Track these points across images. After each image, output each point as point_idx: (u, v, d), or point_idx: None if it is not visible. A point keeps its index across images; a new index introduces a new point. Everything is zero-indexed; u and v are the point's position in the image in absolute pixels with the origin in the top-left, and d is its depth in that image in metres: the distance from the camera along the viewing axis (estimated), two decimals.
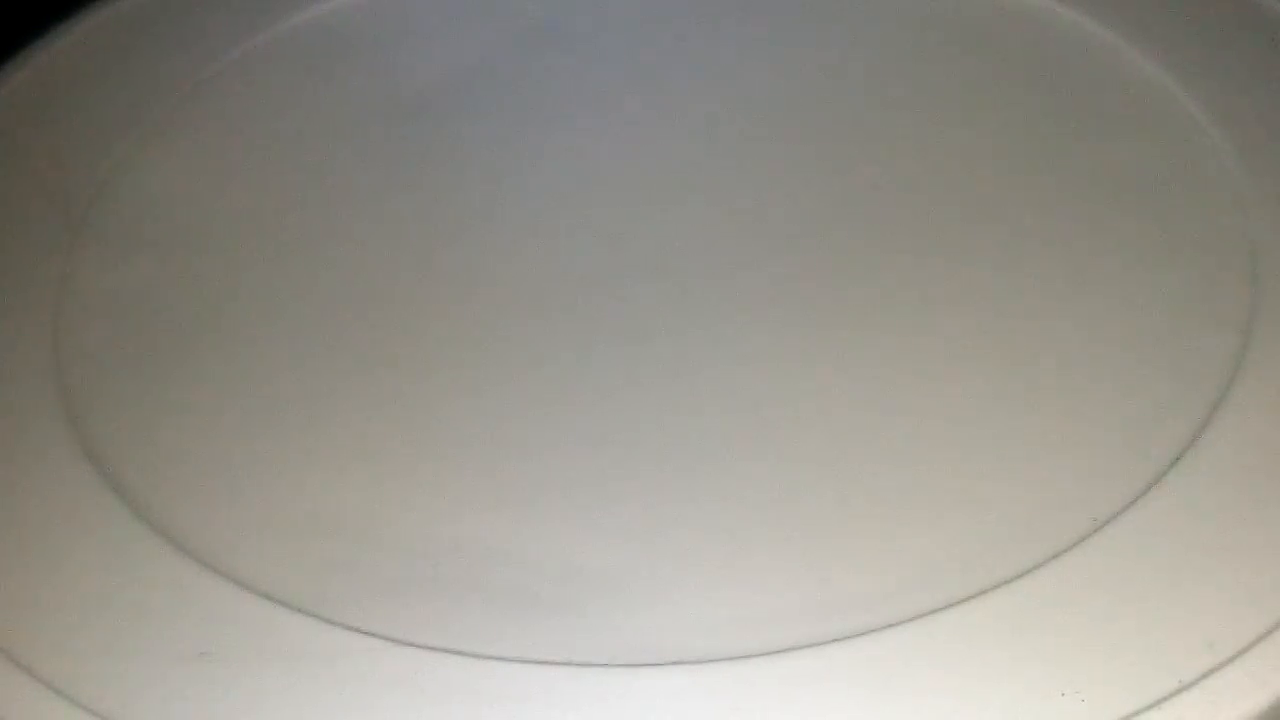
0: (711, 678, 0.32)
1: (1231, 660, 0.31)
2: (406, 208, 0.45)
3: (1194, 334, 0.39)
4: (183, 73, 0.49)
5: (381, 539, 0.36)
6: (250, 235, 0.44)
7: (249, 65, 0.50)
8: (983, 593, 0.33)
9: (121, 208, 0.45)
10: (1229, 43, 0.47)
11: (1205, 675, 0.31)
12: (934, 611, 0.33)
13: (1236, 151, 0.43)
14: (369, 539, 0.36)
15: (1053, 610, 0.33)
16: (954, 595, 0.33)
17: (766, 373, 0.39)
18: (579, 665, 0.32)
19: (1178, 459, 0.35)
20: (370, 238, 0.44)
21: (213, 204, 0.45)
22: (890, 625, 0.32)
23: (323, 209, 0.45)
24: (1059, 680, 0.31)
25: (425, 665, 0.33)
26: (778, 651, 0.32)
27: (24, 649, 0.33)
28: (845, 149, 0.46)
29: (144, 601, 0.34)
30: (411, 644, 0.33)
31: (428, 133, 0.47)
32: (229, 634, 0.33)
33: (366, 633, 0.33)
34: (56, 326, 0.41)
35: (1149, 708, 0.30)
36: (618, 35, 0.51)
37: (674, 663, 0.32)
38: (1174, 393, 0.37)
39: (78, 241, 0.43)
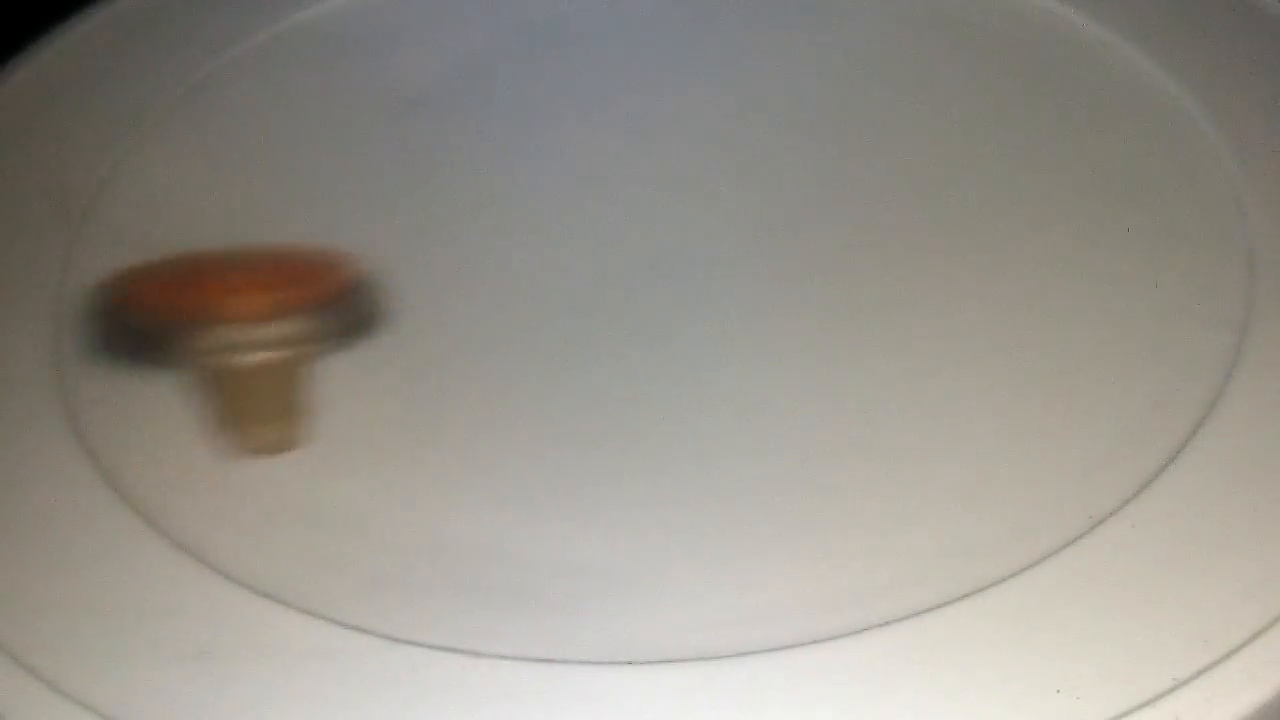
0: (711, 675, 0.32)
1: (1227, 657, 0.31)
2: (405, 206, 0.45)
3: (1191, 332, 0.39)
4: (183, 73, 0.49)
5: (381, 537, 0.36)
6: (250, 235, 0.44)
7: (249, 65, 0.50)
8: (980, 589, 0.33)
9: (121, 207, 0.45)
10: (1229, 43, 0.47)
11: (1201, 672, 0.31)
12: (931, 608, 0.33)
13: (1235, 151, 0.43)
14: (369, 537, 0.36)
15: (1049, 607, 0.33)
16: (951, 592, 0.33)
17: (765, 371, 0.39)
18: (579, 664, 0.33)
19: (1174, 457, 0.36)
20: (369, 236, 0.44)
21: (212, 204, 0.45)
22: (888, 622, 0.33)
23: (322, 208, 0.45)
24: (1055, 677, 0.31)
25: (425, 664, 0.33)
26: (775, 649, 0.32)
27: (25, 648, 0.33)
28: (845, 149, 0.46)
29: (144, 600, 0.34)
30: (411, 643, 0.33)
31: (427, 132, 0.47)
32: (229, 632, 0.33)
33: (366, 631, 0.33)
34: (57, 326, 0.41)
35: (1145, 704, 0.30)
36: (618, 34, 0.51)
37: (674, 661, 0.32)
38: (1170, 390, 0.37)
39: (78, 241, 0.44)
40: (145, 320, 0.36)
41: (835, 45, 0.50)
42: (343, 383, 0.39)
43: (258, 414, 0.36)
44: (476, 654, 0.33)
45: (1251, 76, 0.46)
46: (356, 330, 0.36)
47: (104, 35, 0.51)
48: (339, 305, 0.36)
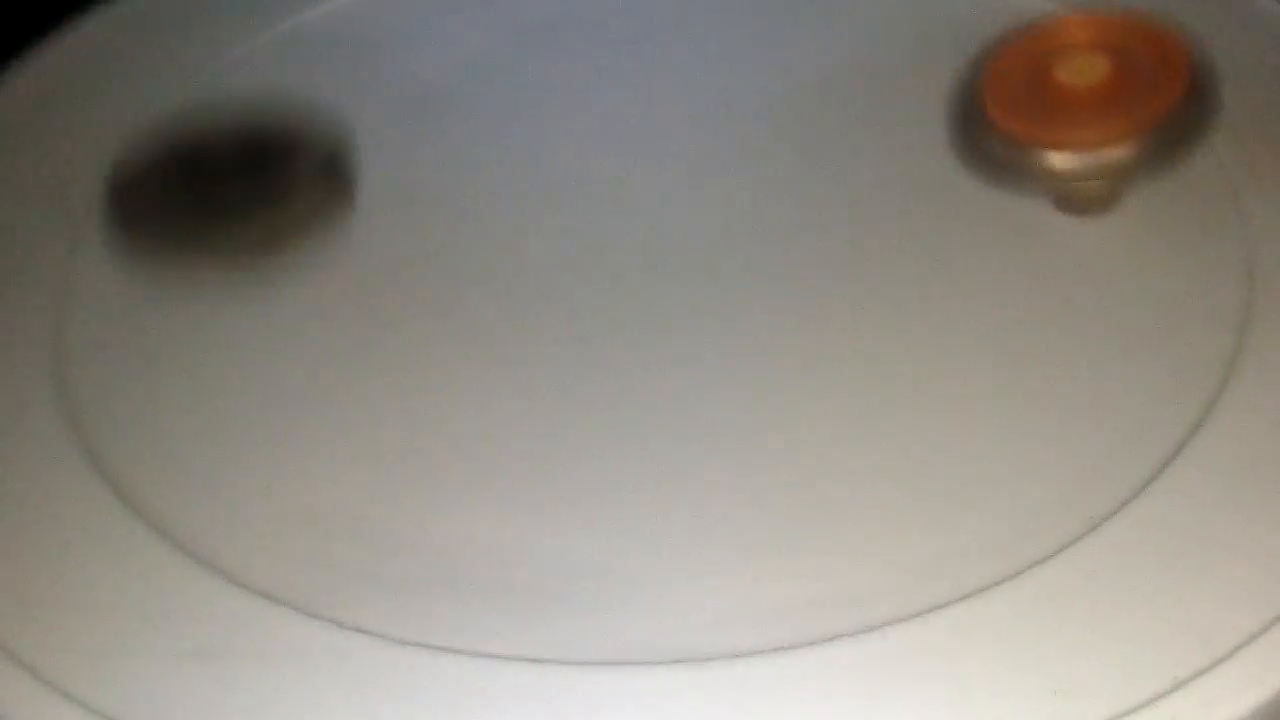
0: (711, 676, 0.32)
1: (1226, 658, 0.31)
2: (407, 206, 0.45)
3: (1189, 333, 0.39)
4: (182, 73, 0.49)
5: (382, 538, 0.36)
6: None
7: (248, 65, 0.50)
8: (979, 591, 0.33)
9: None
10: (1229, 43, 0.47)
11: (1200, 673, 0.31)
12: (930, 610, 0.33)
13: (1235, 152, 0.43)
14: (370, 538, 0.36)
15: (1048, 608, 0.33)
16: (950, 593, 0.33)
17: (766, 373, 0.39)
18: (579, 665, 0.33)
19: (1173, 458, 0.35)
20: (371, 236, 0.44)
21: None
22: (886, 624, 0.33)
23: None
24: (1053, 678, 0.31)
25: (425, 665, 0.33)
26: (775, 650, 0.32)
27: (24, 648, 0.33)
28: (845, 148, 0.46)
29: (144, 601, 0.34)
30: (412, 644, 0.33)
31: (428, 132, 0.47)
32: (229, 633, 0.33)
33: (367, 632, 0.33)
34: (57, 326, 0.41)
35: (1144, 706, 0.31)
36: (619, 35, 0.51)
37: (674, 662, 0.32)
38: (1169, 392, 0.37)
39: (78, 241, 0.44)
40: (1003, 141, 0.38)
41: (835, 45, 0.50)
42: (343, 383, 0.40)
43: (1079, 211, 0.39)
44: (477, 655, 0.33)
45: (1251, 77, 0.46)
46: (1187, 148, 0.37)
47: (106, 36, 0.51)
48: (1172, 124, 0.37)
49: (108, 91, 0.49)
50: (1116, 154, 0.36)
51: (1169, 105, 0.37)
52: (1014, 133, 0.37)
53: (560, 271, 0.42)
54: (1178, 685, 0.31)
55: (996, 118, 0.38)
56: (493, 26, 0.51)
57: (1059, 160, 0.37)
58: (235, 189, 0.42)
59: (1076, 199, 0.38)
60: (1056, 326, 0.39)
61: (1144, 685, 0.31)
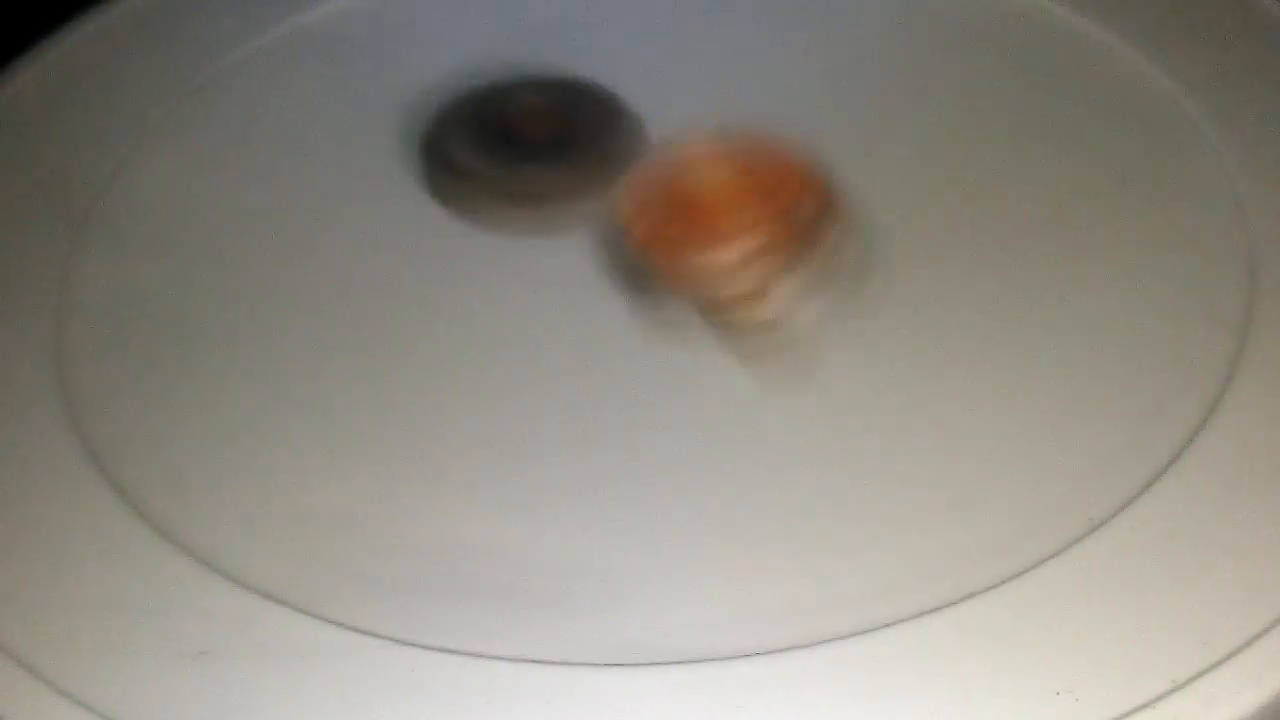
0: (710, 677, 0.32)
1: (1226, 659, 0.31)
2: (406, 206, 0.45)
3: (1191, 334, 0.39)
4: (183, 73, 0.49)
5: (382, 539, 0.36)
6: (250, 235, 0.44)
7: (250, 67, 0.50)
8: (980, 592, 0.33)
9: (122, 208, 0.45)
10: (1229, 43, 0.47)
11: (1200, 674, 0.31)
12: (931, 610, 0.33)
13: (1235, 151, 0.43)
14: (369, 539, 0.36)
15: (1049, 609, 0.33)
16: (951, 594, 0.33)
17: (765, 375, 0.39)
18: (579, 665, 0.33)
19: (1174, 459, 0.36)
20: (371, 237, 0.44)
21: (213, 204, 0.45)
22: (888, 624, 0.33)
23: (323, 209, 0.45)
24: (1054, 679, 0.31)
25: (425, 665, 0.33)
26: (774, 651, 0.32)
27: (25, 648, 0.33)
28: (845, 148, 0.46)
29: (144, 601, 0.34)
30: (411, 644, 0.33)
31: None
32: (229, 633, 0.33)
33: (366, 633, 0.33)
34: (58, 326, 0.41)
35: (1144, 706, 0.31)
36: (620, 34, 0.51)
37: (674, 662, 0.32)
38: (1171, 393, 0.37)
39: (79, 241, 0.44)
40: (639, 254, 0.39)
41: (835, 43, 0.50)
42: (344, 384, 0.40)
43: (739, 320, 0.40)
44: (476, 655, 0.33)
45: (1251, 76, 0.46)
46: (816, 238, 0.39)
47: (106, 37, 0.51)
48: (810, 243, 0.39)
49: (110, 93, 0.49)
50: (750, 247, 0.38)
51: (788, 201, 0.39)
52: (656, 244, 0.39)
53: (562, 271, 0.42)
54: (1177, 686, 0.31)
55: (638, 235, 0.39)
56: (492, 29, 0.51)
57: (702, 260, 0.38)
58: (540, 169, 0.44)
59: (730, 311, 0.40)
60: (1058, 328, 0.39)
61: (1144, 685, 0.31)
